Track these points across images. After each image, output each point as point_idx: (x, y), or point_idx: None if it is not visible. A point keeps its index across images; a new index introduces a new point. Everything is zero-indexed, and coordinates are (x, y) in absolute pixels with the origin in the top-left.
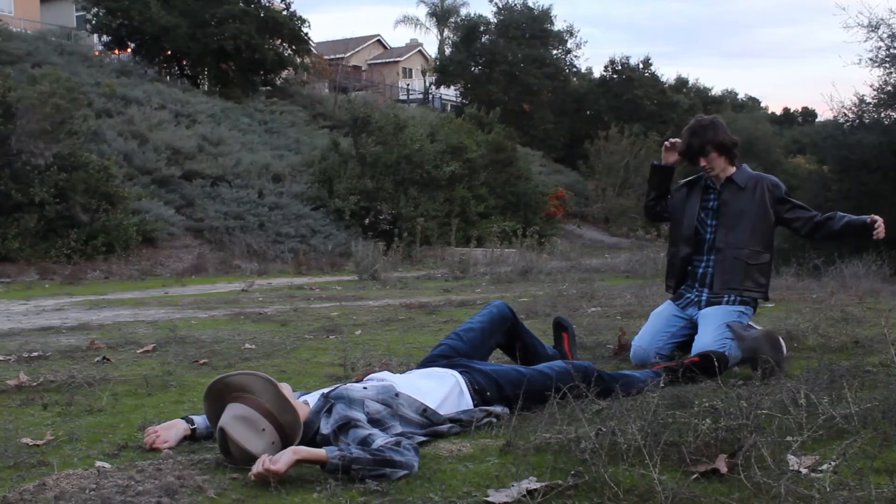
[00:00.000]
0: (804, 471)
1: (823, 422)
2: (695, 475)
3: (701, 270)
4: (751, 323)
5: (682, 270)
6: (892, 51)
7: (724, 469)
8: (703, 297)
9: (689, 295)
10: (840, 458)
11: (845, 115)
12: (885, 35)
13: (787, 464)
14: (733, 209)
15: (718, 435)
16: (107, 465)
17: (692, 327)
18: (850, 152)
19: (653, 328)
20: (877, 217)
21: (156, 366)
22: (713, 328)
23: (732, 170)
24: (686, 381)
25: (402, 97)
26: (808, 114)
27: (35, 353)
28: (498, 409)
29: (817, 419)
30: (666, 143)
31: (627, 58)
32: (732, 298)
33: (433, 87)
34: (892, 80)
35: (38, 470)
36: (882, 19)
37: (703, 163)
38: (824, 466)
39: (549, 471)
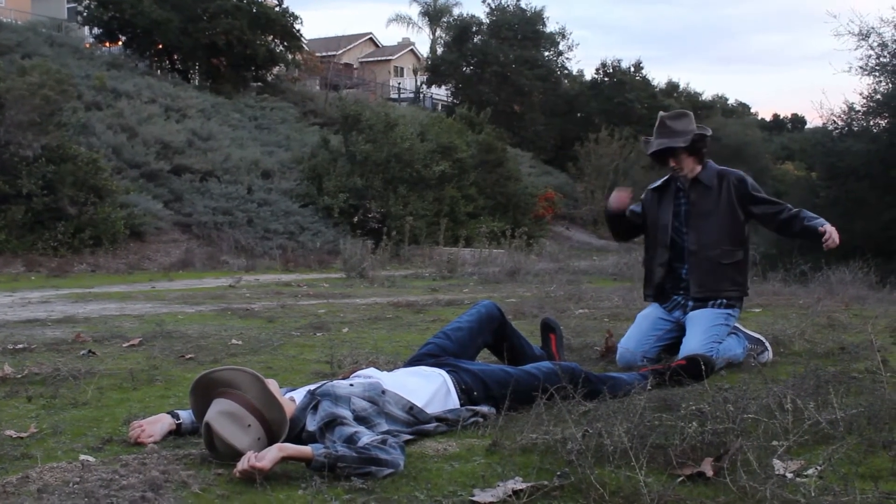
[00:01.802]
0: (790, 475)
1: (809, 427)
2: (681, 478)
3: (684, 275)
4: (738, 326)
5: (661, 277)
6: (882, 59)
7: (709, 472)
8: (690, 302)
9: (675, 297)
10: (825, 463)
11: (834, 122)
12: (875, 44)
13: (772, 468)
14: (702, 210)
15: (705, 438)
16: (91, 458)
17: (679, 330)
18: (839, 160)
19: (639, 331)
20: (827, 228)
21: (141, 360)
22: (700, 331)
23: (700, 168)
24: (673, 384)
25: (393, 96)
26: (798, 121)
27: (20, 346)
28: (485, 408)
29: (803, 424)
30: (618, 192)
31: (619, 61)
32: (719, 302)
33: (424, 87)
34: (881, 89)
35: (22, 462)
36: (873, 28)
37: (672, 163)
38: (810, 471)
39: (535, 471)
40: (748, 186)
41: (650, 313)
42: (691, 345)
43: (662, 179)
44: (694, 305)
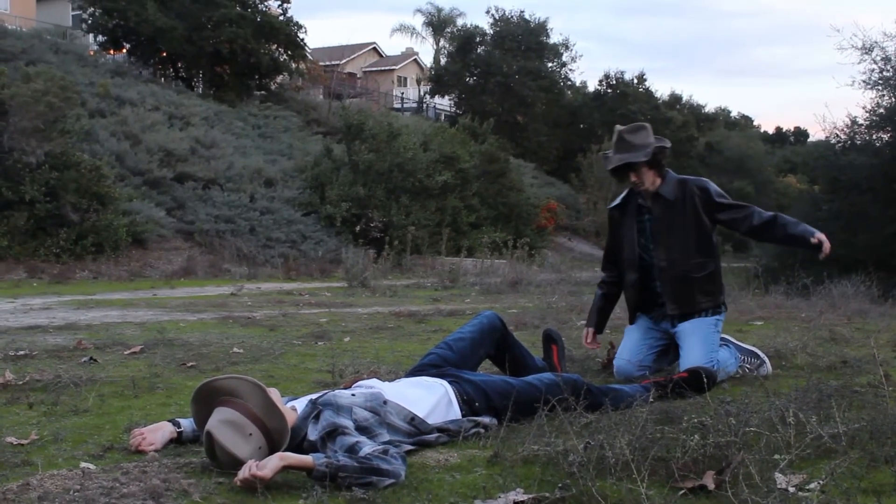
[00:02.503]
0: (792, 489)
1: (811, 441)
2: (682, 491)
3: (657, 296)
4: (729, 338)
5: (637, 297)
6: (885, 73)
7: (711, 485)
8: (675, 313)
9: (658, 308)
10: (828, 477)
11: (837, 136)
12: (878, 58)
13: (774, 482)
14: (666, 225)
15: (706, 451)
16: (92, 466)
17: (668, 338)
18: (841, 173)
19: (631, 342)
20: (819, 237)
21: (143, 367)
22: (698, 343)
23: (660, 181)
24: (675, 396)
25: (396, 105)
26: (801, 134)
27: (22, 352)
28: (486, 419)
29: (805, 438)
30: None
31: (622, 72)
32: (702, 312)
33: (428, 97)
34: (884, 103)
35: (23, 469)
36: (876, 42)
37: (633, 178)
38: (812, 485)
39: (536, 483)
40: (712, 194)
41: (638, 325)
42: (692, 359)
43: (621, 197)
44: (681, 317)
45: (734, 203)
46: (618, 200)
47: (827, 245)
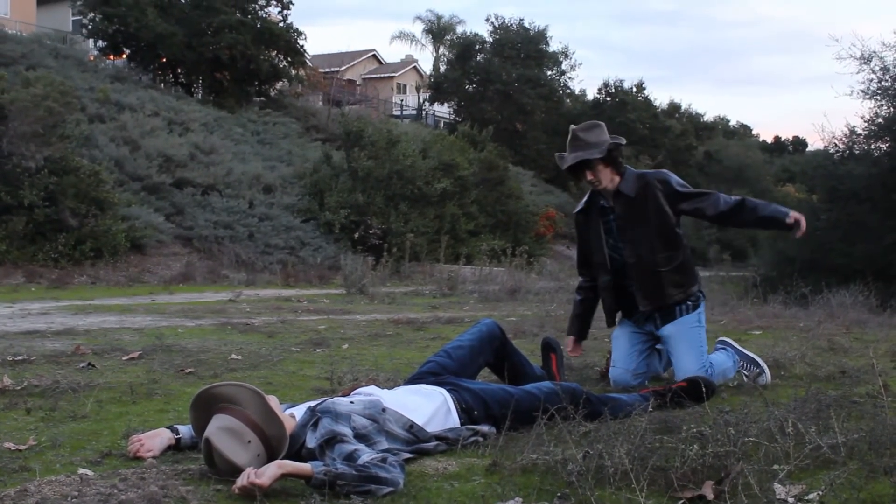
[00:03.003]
0: (790, 500)
1: (810, 451)
2: (681, 501)
3: (632, 295)
4: (730, 342)
5: (613, 299)
6: (883, 83)
7: (710, 496)
8: (656, 314)
9: (639, 308)
10: (827, 488)
11: (836, 145)
12: (877, 67)
13: (773, 492)
14: (630, 221)
15: (705, 461)
16: (90, 472)
17: (655, 338)
18: (840, 182)
19: (620, 351)
20: (796, 216)
21: (141, 373)
22: (687, 351)
23: (618, 179)
24: (674, 405)
25: (395, 112)
26: (799, 143)
27: (20, 357)
28: (485, 428)
29: (804, 448)
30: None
31: (621, 81)
32: (682, 308)
33: (427, 104)
34: (882, 113)
35: (20, 475)
36: (874, 52)
37: (589, 177)
38: (811, 496)
39: (535, 492)
40: (673, 185)
41: (623, 331)
42: (685, 367)
43: (584, 200)
44: (662, 317)
45: (697, 191)
46: (581, 205)
47: (803, 223)
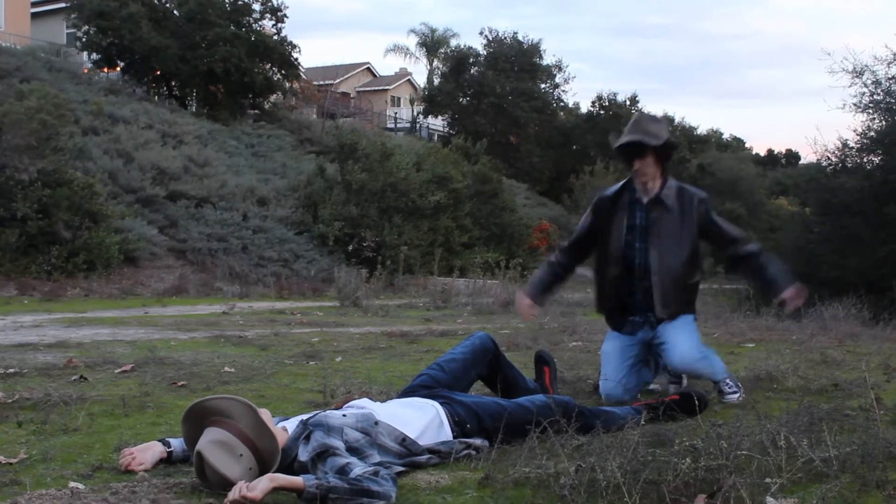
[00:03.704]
0: None
1: (803, 465)
2: None
3: (639, 296)
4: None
5: (614, 292)
6: (875, 97)
7: None
8: (653, 319)
9: (634, 318)
10: (819, 501)
11: (828, 158)
12: (869, 81)
13: None
14: (663, 230)
15: (698, 474)
16: (81, 486)
17: (645, 350)
18: (833, 195)
19: (611, 366)
20: (787, 297)
21: (133, 386)
22: (684, 336)
23: (660, 182)
24: (666, 419)
25: (389, 125)
26: (792, 156)
27: (11, 370)
28: (477, 441)
29: (797, 462)
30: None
31: (615, 94)
32: (679, 313)
33: (421, 117)
34: (875, 126)
35: (11, 489)
36: (866, 66)
37: (637, 165)
38: None
39: None
40: (709, 209)
41: (613, 346)
42: (682, 348)
43: (616, 188)
44: (657, 321)
45: (723, 229)
46: (612, 191)
47: (798, 302)
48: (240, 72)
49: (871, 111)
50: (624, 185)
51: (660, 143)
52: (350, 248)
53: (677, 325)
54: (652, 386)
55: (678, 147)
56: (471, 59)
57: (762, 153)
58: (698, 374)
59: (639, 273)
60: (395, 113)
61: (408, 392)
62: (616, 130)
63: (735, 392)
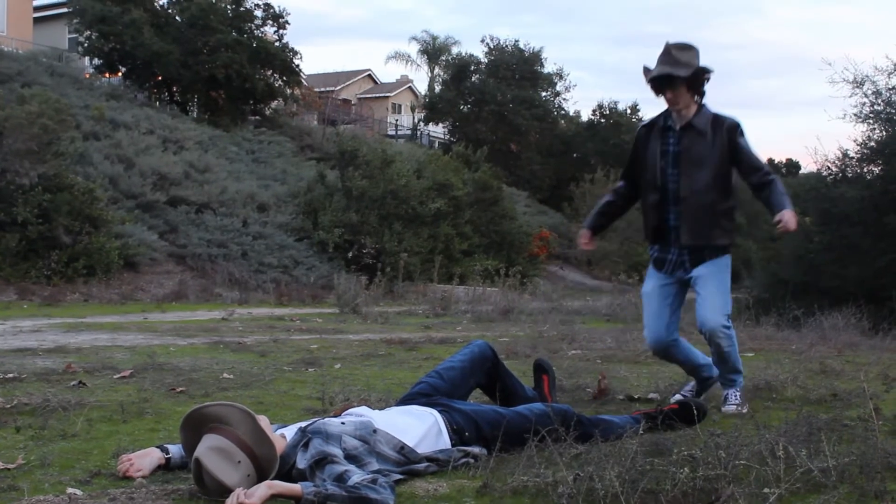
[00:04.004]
0: None
1: (801, 475)
2: None
3: (672, 223)
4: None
5: (656, 218)
6: (876, 107)
7: None
8: (685, 257)
9: (669, 257)
10: None
11: (829, 168)
12: (869, 91)
13: None
14: (694, 156)
15: (696, 484)
16: (78, 491)
17: (685, 285)
18: (833, 205)
19: (652, 310)
20: (783, 217)
21: (132, 392)
22: (716, 294)
23: (694, 108)
24: (665, 428)
25: (390, 132)
26: (792, 166)
27: (10, 375)
28: (476, 449)
29: (795, 472)
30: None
31: (616, 102)
32: (711, 254)
33: (422, 124)
34: (875, 136)
35: (8, 495)
36: (867, 76)
37: (668, 95)
38: None
39: None
40: (738, 134)
41: (653, 286)
42: (708, 316)
43: (653, 117)
44: (690, 260)
45: (748, 154)
46: (648, 120)
47: (790, 226)
48: (241, 78)
49: (871, 121)
50: (661, 114)
51: (689, 73)
52: (350, 254)
53: (709, 278)
54: (651, 394)
55: (711, 72)
56: (472, 67)
57: None
58: (717, 343)
59: (673, 199)
60: (396, 120)
61: (406, 400)
62: (617, 136)
63: (736, 404)
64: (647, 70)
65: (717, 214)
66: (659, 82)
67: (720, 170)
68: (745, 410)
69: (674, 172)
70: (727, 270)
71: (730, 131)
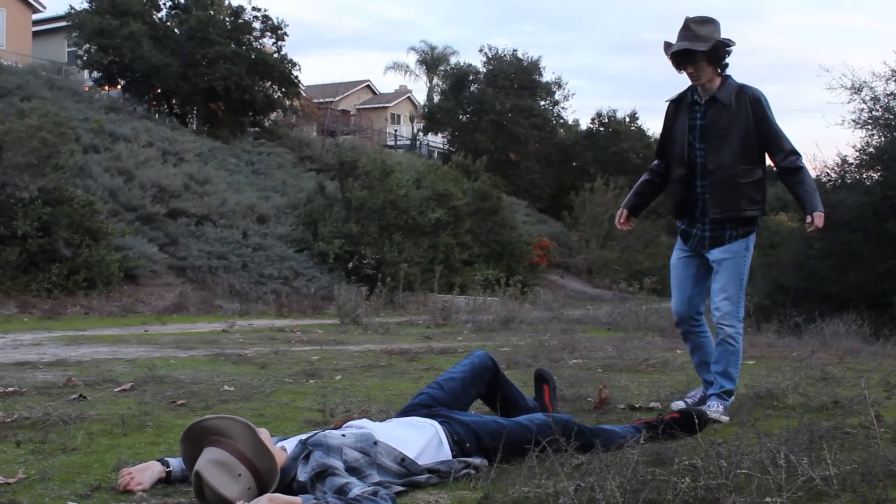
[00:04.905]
0: None
1: (803, 483)
2: None
3: (699, 196)
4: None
5: (683, 193)
6: (874, 113)
7: None
8: (707, 234)
9: (694, 231)
10: None
11: (828, 174)
12: (867, 97)
13: None
14: (718, 129)
15: (697, 494)
16: None
17: (707, 263)
18: (832, 211)
19: (675, 280)
20: (814, 219)
21: (133, 405)
22: (729, 283)
23: (718, 81)
24: (666, 437)
25: (389, 143)
26: None
27: (10, 389)
28: (477, 460)
29: (797, 480)
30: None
31: (614, 111)
32: (733, 234)
33: (421, 134)
34: (873, 142)
35: None
36: (865, 82)
37: (689, 69)
38: None
39: None
40: (762, 106)
41: (677, 258)
42: (718, 305)
43: (680, 92)
44: (710, 238)
45: (778, 133)
46: (676, 95)
47: (818, 223)
48: (240, 89)
49: (869, 127)
50: (688, 88)
51: (708, 47)
52: (350, 265)
53: (724, 265)
54: (652, 404)
55: (733, 44)
56: (470, 77)
57: None
58: (721, 329)
59: (701, 173)
60: (395, 130)
61: (407, 411)
62: (616, 144)
63: (718, 412)
64: (667, 45)
65: (744, 185)
66: (679, 57)
67: (746, 141)
68: (724, 419)
69: (701, 147)
70: (743, 260)
71: (752, 102)
